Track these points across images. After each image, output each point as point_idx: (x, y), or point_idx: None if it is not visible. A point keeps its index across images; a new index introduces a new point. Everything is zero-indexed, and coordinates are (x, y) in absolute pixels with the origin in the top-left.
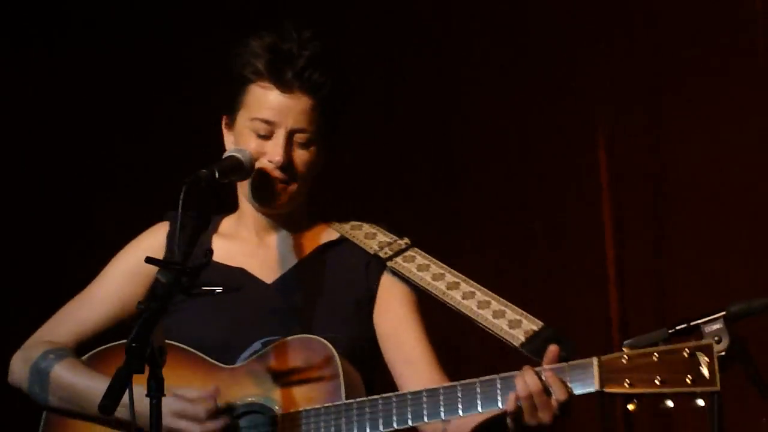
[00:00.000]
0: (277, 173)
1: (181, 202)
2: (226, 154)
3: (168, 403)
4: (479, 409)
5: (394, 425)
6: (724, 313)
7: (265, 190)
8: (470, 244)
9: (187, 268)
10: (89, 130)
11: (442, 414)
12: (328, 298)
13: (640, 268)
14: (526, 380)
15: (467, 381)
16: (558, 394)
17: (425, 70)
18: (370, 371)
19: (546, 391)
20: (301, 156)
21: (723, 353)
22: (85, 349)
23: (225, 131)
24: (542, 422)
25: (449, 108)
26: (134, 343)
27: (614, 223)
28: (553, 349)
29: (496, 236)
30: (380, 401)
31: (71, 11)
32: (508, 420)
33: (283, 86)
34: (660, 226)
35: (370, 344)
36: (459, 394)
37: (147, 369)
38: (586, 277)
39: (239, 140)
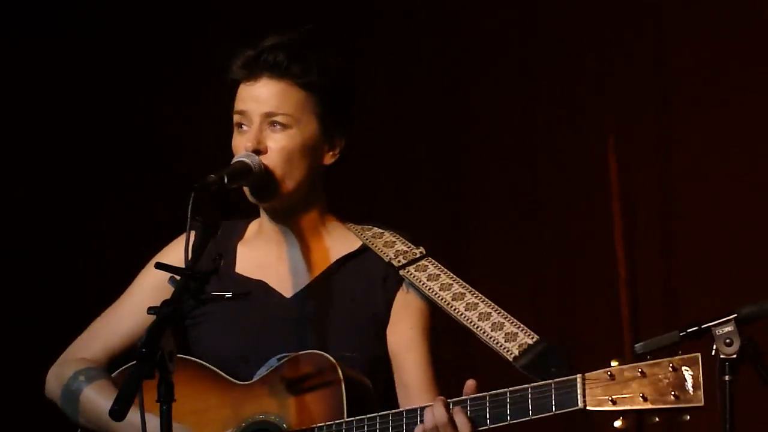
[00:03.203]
0: None
1: (190, 208)
2: (234, 159)
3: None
4: None
5: None
6: (735, 315)
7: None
8: (481, 249)
9: (196, 273)
10: (106, 140)
11: None
12: (345, 314)
13: (651, 270)
14: (434, 413)
15: (394, 411)
16: (461, 428)
17: (434, 75)
18: (390, 387)
19: (452, 423)
20: (276, 140)
21: (734, 356)
22: (118, 361)
23: None
24: None
25: (458, 114)
26: (144, 348)
27: (624, 226)
28: (470, 384)
29: (506, 239)
30: (344, 424)
31: (78, 14)
32: None
33: (251, 76)
34: (670, 228)
35: (386, 361)
36: (377, 425)
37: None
38: (597, 280)
39: (233, 140)
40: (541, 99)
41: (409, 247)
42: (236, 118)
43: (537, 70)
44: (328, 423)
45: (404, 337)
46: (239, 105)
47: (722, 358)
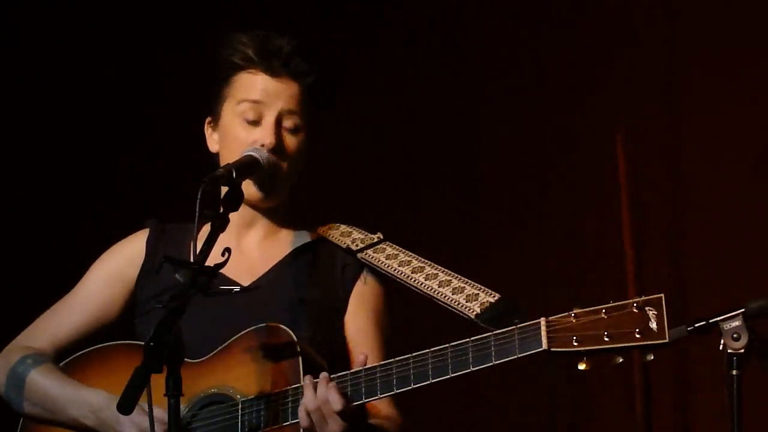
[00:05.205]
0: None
1: (198, 202)
2: (243, 153)
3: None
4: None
5: None
6: (743, 310)
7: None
8: (489, 246)
9: (203, 268)
10: (76, 137)
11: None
12: (302, 299)
13: (660, 267)
14: (316, 391)
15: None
16: (334, 404)
17: (443, 75)
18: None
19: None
20: (290, 141)
21: (742, 350)
22: (66, 354)
23: (209, 132)
24: None
25: (470, 111)
26: (152, 342)
27: (633, 223)
28: (360, 358)
29: (514, 237)
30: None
31: (66, 16)
32: None
33: (272, 71)
34: (679, 224)
35: (342, 345)
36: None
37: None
38: (606, 277)
39: (227, 132)
40: (550, 97)
41: (365, 235)
42: (247, 107)
43: (546, 69)
44: (284, 389)
45: (361, 328)
46: (256, 94)
47: (730, 352)
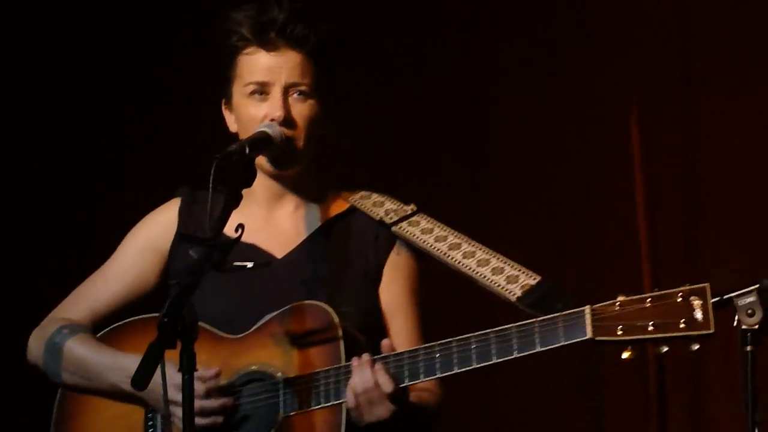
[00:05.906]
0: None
1: (212, 178)
2: (256, 129)
3: (171, 376)
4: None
5: None
6: (757, 286)
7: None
8: (501, 223)
9: (218, 243)
10: (104, 113)
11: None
12: (337, 272)
13: (674, 242)
14: (363, 374)
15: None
16: (385, 386)
17: (454, 46)
18: (382, 337)
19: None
20: (300, 110)
21: (756, 326)
22: (102, 326)
23: (226, 113)
24: (381, 418)
25: (482, 90)
26: (166, 318)
27: (647, 200)
28: (385, 342)
29: (527, 213)
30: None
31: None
32: (352, 416)
33: (269, 46)
34: (693, 200)
35: (379, 316)
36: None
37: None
38: (619, 254)
39: (239, 112)
40: (564, 71)
41: (398, 206)
42: (253, 88)
43: (560, 42)
44: (326, 369)
45: (395, 300)
46: (259, 75)
47: (744, 328)
